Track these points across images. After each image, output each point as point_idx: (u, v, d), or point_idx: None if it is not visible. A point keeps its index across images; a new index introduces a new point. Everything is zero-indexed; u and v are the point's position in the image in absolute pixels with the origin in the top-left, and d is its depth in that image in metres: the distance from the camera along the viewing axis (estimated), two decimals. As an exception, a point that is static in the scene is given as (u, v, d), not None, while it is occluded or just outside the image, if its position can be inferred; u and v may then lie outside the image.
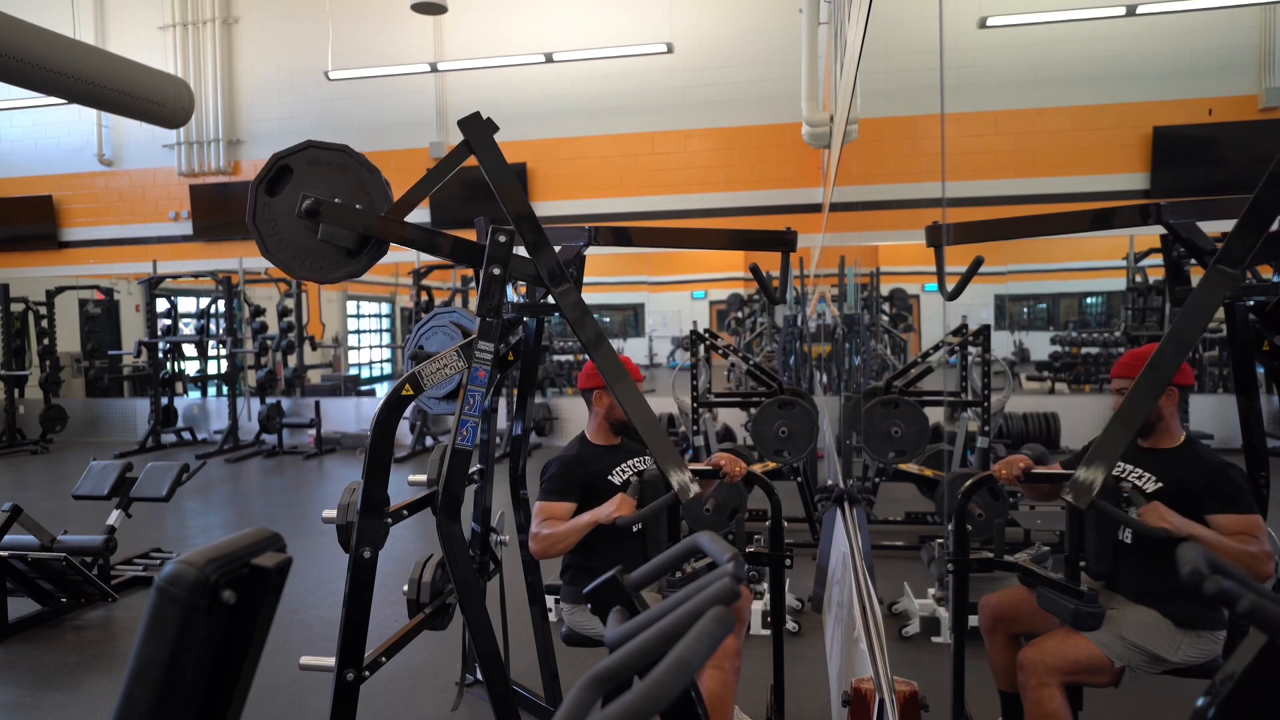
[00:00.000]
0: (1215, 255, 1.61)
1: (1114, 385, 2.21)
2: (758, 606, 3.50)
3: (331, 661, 1.95)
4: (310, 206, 1.92)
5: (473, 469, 2.63)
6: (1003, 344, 10.18)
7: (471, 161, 1.99)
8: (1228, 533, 1.99)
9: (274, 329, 9.32)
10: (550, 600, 3.41)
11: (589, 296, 2.56)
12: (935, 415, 5.84)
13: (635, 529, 2.40)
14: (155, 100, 6.27)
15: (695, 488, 2.04)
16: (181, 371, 10.65)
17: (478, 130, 1.96)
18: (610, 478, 2.42)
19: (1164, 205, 2.10)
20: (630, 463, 2.48)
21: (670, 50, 8.60)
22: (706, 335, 5.53)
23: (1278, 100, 7.73)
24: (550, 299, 2.13)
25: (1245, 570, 1.92)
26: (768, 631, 2.53)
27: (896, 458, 4.46)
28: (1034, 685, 2.01)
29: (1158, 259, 7.73)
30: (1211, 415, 7.77)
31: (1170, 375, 1.65)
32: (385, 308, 13.73)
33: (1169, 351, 1.64)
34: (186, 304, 11.03)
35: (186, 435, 9.93)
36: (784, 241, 2.45)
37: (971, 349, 4.88)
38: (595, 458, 2.46)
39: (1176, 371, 1.68)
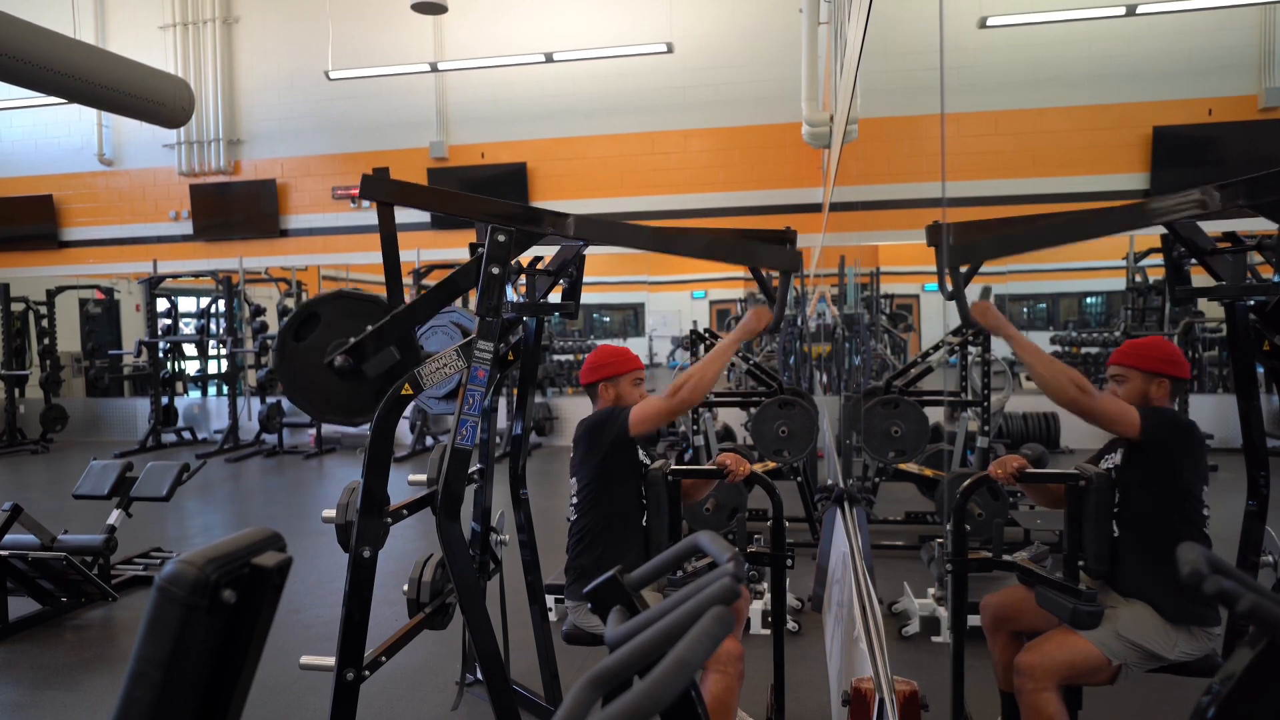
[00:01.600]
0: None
1: (1110, 371, 2.21)
2: (757, 606, 3.51)
3: (331, 661, 1.95)
4: (342, 365, 1.97)
5: (473, 468, 2.63)
6: (1003, 344, 10.17)
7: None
8: (1105, 393, 2.06)
9: (274, 329, 9.32)
10: (550, 600, 3.41)
11: (589, 296, 2.56)
12: (935, 415, 5.85)
13: (642, 523, 2.39)
14: (155, 100, 6.27)
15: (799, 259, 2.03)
16: (182, 371, 10.65)
17: (380, 188, 1.99)
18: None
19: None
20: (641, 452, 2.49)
21: (670, 50, 8.59)
22: (706, 335, 5.54)
23: (1278, 100, 7.72)
24: (551, 298, 2.13)
25: (1050, 381, 1.98)
26: (768, 631, 2.53)
27: (896, 457, 4.47)
28: (1031, 690, 2.01)
29: (1158, 259, 7.73)
30: (1211, 415, 7.76)
31: (1086, 230, 1.69)
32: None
33: (1112, 214, 1.70)
34: (186, 304, 11.03)
35: (187, 435, 9.93)
36: (783, 241, 2.43)
37: (971, 349, 4.88)
38: None
39: (1100, 234, 1.73)
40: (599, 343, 11.61)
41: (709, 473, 2.50)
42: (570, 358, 10.61)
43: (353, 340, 2.00)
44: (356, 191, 9.75)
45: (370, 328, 2.00)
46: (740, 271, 10.80)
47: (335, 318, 2.06)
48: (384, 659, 2.11)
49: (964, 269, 2.10)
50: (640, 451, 2.44)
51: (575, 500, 2.42)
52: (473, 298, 2.02)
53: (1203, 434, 2.11)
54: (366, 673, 1.96)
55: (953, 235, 2.11)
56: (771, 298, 2.57)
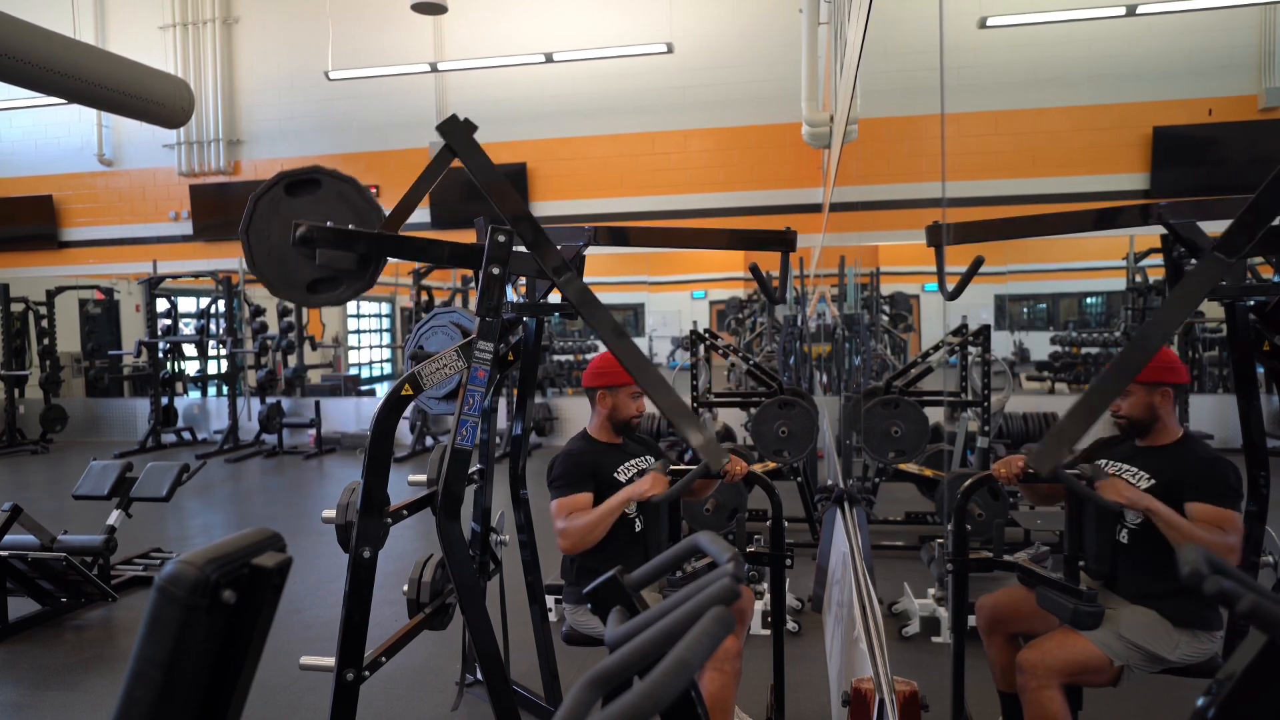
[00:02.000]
0: (1214, 244, 1.59)
1: None
2: (758, 606, 3.51)
3: (331, 661, 1.95)
4: (304, 234, 1.91)
5: (472, 469, 2.63)
6: (1003, 344, 10.18)
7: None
8: (1200, 520, 1.99)
9: (274, 329, 9.32)
10: (550, 600, 3.41)
11: (589, 297, 2.55)
12: (935, 415, 5.85)
13: (638, 529, 2.40)
14: (155, 100, 6.27)
15: (724, 457, 2.00)
16: (181, 371, 10.65)
17: (458, 133, 1.94)
18: (616, 475, 2.42)
19: (1164, 205, 2.10)
20: (633, 462, 2.48)
21: (670, 50, 8.60)
22: (706, 335, 5.54)
23: (1278, 100, 7.72)
24: (550, 298, 2.12)
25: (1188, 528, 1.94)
26: (768, 631, 2.53)
27: (896, 458, 4.46)
28: (1034, 688, 2.01)
29: (1158, 259, 7.73)
30: (1211, 415, 7.76)
31: (1148, 353, 1.61)
32: (385, 308, 13.73)
33: (1153, 332, 1.60)
34: (186, 304, 11.03)
35: (186, 435, 9.92)
36: (783, 241, 2.45)
37: (971, 349, 4.88)
38: (600, 454, 2.46)
39: (1155, 351, 1.65)
40: (598, 344, 11.63)
41: (706, 473, 2.50)
42: (570, 358, 10.61)
43: (329, 224, 1.95)
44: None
45: (353, 226, 1.97)
46: (740, 271, 10.81)
47: (331, 197, 2.00)
48: (384, 659, 2.10)
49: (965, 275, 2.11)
50: (621, 474, 2.44)
51: None
52: (473, 297, 2.02)
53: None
54: (366, 673, 1.96)
55: (951, 234, 2.11)
56: (771, 298, 2.58)
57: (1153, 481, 2.10)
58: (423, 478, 2.59)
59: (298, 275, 1.99)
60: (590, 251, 2.54)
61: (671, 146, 9.21)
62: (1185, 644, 2.01)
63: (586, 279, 2.54)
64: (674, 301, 12.14)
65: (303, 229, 1.92)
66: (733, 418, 7.65)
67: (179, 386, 10.49)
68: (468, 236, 2.29)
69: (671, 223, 8.49)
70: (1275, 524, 2.09)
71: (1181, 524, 1.98)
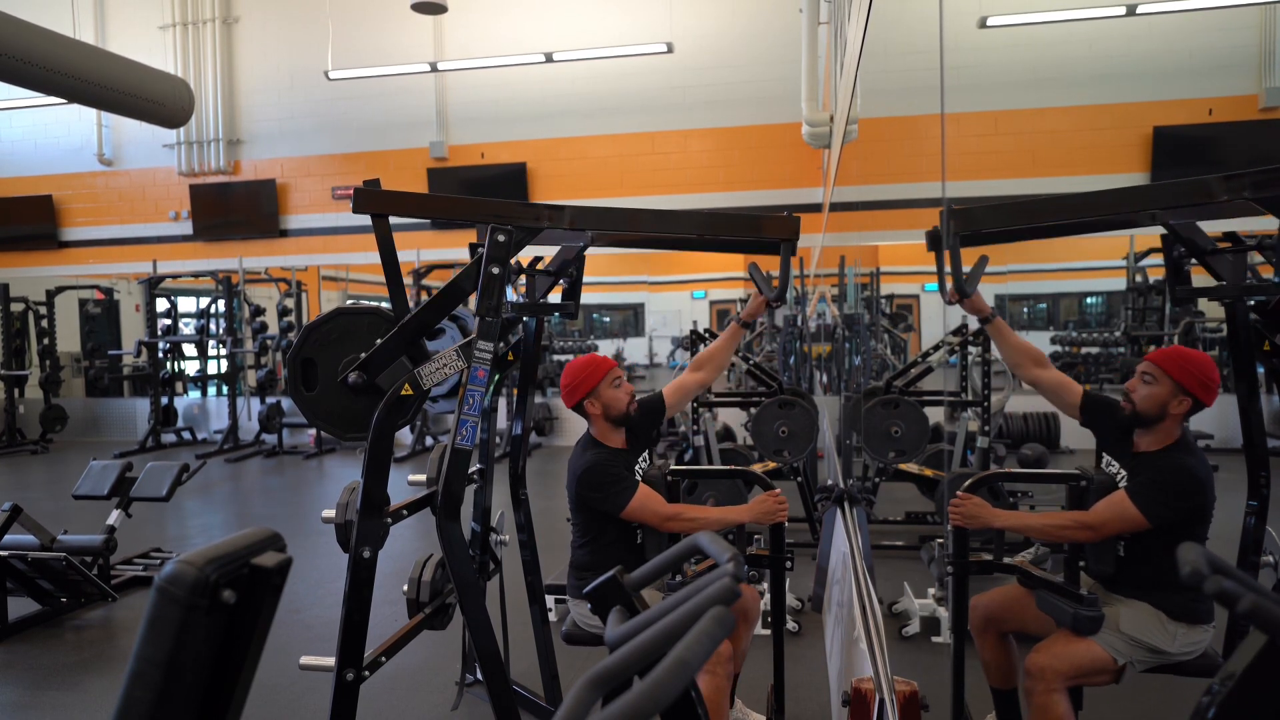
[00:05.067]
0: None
1: (1142, 366, 2.12)
2: (758, 606, 3.51)
3: (331, 661, 1.95)
4: (357, 381, 2.02)
5: (472, 469, 2.63)
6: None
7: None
8: (1102, 505, 2.08)
9: (274, 329, 9.32)
10: (550, 600, 3.41)
11: (589, 296, 2.55)
12: (935, 415, 5.85)
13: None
14: (155, 100, 6.27)
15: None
16: (181, 371, 10.65)
17: (372, 200, 2.01)
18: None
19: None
20: (641, 457, 2.49)
21: (670, 50, 8.60)
22: (707, 335, 5.54)
23: (1278, 100, 7.72)
24: (550, 298, 2.12)
25: (1043, 524, 2.08)
26: (768, 631, 2.53)
27: (896, 458, 4.47)
28: (1040, 691, 2.01)
29: (1158, 259, 7.73)
30: (1211, 415, 7.76)
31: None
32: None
33: None
34: (186, 304, 11.03)
35: (186, 435, 9.92)
36: (785, 229, 2.29)
37: (971, 349, 4.88)
38: (615, 458, 2.42)
39: None
40: (599, 344, 11.63)
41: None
42: (570, 358, 10.62)
43: (363, 355, 1.99)
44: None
45: (379, 341, 2.00)
46: (739, 271, 10.80)
47: (338, 336, 2.07)
48: (384, 659, 2.10)
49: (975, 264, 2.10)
50: (638, 470, 2.44)
51: (573, 530, 2.44)
52: (472, 297, 2.02)
53: (1206, 471, 2.03)
54: (366, 673, 1.96)
55: (954, 221, 2.09)
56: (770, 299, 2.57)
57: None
58: (423, 477, 2.59)
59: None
60: (590, 251, 2.54)
61: (671, 146, 9.21)
62: (1182, 635, 2.02)
63: (586, 279, 2.55)
64: (674, 301, 12.15)
65: (353, 378, 2.02)
66: (733, 418, 7.65)
67: (179, 386, 10.49)
68: (467, 236, 2.29)
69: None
70: (1275, 524, 2.09)
71: (1043, 524, 2.14)
